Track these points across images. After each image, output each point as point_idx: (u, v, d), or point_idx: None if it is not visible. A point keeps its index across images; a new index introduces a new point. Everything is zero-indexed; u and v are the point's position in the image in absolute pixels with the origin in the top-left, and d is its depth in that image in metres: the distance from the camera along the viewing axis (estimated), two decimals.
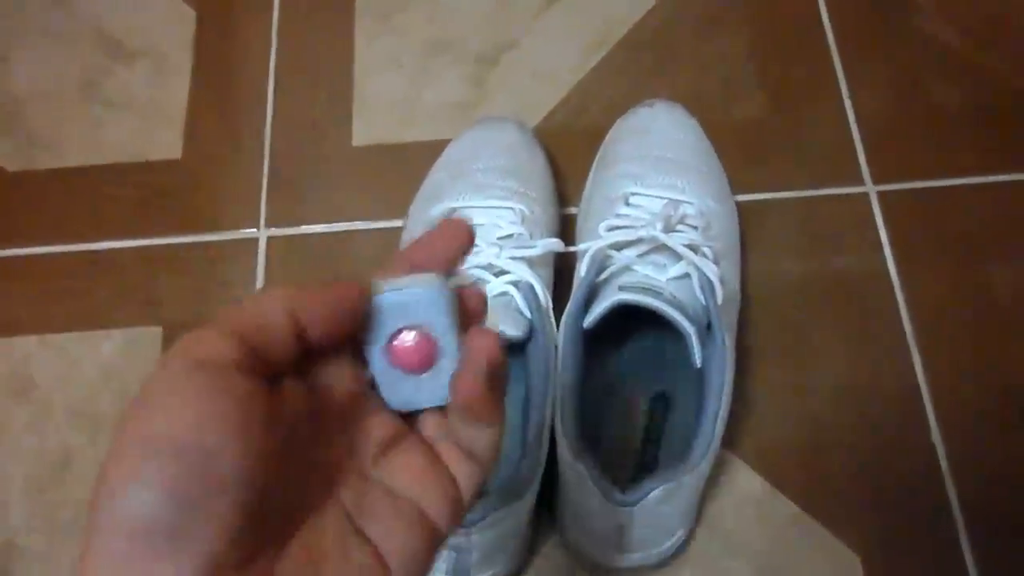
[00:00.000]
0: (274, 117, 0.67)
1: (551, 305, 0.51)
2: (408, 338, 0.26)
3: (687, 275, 0.48)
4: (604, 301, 0.47)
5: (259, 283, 0.61)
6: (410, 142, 0.65)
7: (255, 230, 0.63)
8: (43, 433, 0.57)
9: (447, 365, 0.27)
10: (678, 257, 0.49)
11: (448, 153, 0.59)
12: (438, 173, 0.58)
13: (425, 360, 0.27)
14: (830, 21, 0.68)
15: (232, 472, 0.22)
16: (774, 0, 0.69)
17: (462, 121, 0.64)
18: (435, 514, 0.26)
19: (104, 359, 0.59)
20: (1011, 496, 0.54)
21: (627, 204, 0.53)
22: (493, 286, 0.49)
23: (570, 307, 0.49)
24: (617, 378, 0.54)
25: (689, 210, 0.52)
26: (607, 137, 0.60)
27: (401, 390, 0.27)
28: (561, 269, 0.55)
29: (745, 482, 0.55)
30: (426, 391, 0.27)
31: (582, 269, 0.50)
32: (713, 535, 0.53)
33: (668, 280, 0.48)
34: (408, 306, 0.26)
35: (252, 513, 0.22)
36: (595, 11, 0.69)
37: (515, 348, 0.49)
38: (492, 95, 0.67)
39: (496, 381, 0.26)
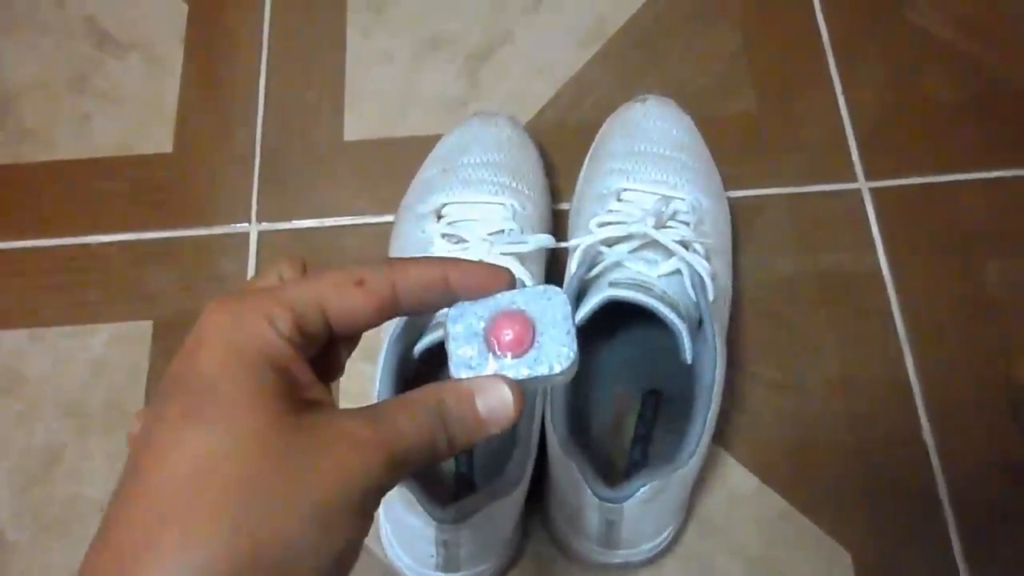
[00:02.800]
0: (266, 111, 0.66)
1: None
2: (514, 320, 0.28)
3: (678, 271, 0.48)
4: (595, 297, 0.47)
5: (250, 278, 0.61)
6: (402, 137, 0.65)
7: (247, 225, 0.63)
8: (31, 428, 0.57)
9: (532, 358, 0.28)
10: (669, 253, 0.48)
11: (439, 148, 0.58)
12: (429, 168, 0.57)
13: (518, 343, 0.28)
14: (823, 15, 0.68)
15: None
16: None
17: (454, 116, 0.63)
18: None
19: (94, 354, 0.59)
20: (1001, 492, 0.54)
21: (619, 200, 0.53)
22: None
23: None
24: (608, 374, 0.54)
25: (681, 206, 0.52)
26: (599, 132, 0.60)
27: (473, 361, 0.28)
28: (552, 265, 0.55)
29: (735, 479, 0.55)
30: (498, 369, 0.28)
31: (573, 265, 0.50)
32: (703, 532, 0.53)
33: (659, 276, 0.48)
34: (530, 298, 0.29)
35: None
36: (588, 6, 0.69)
37: None
38: (485, 90, 0.67)
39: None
